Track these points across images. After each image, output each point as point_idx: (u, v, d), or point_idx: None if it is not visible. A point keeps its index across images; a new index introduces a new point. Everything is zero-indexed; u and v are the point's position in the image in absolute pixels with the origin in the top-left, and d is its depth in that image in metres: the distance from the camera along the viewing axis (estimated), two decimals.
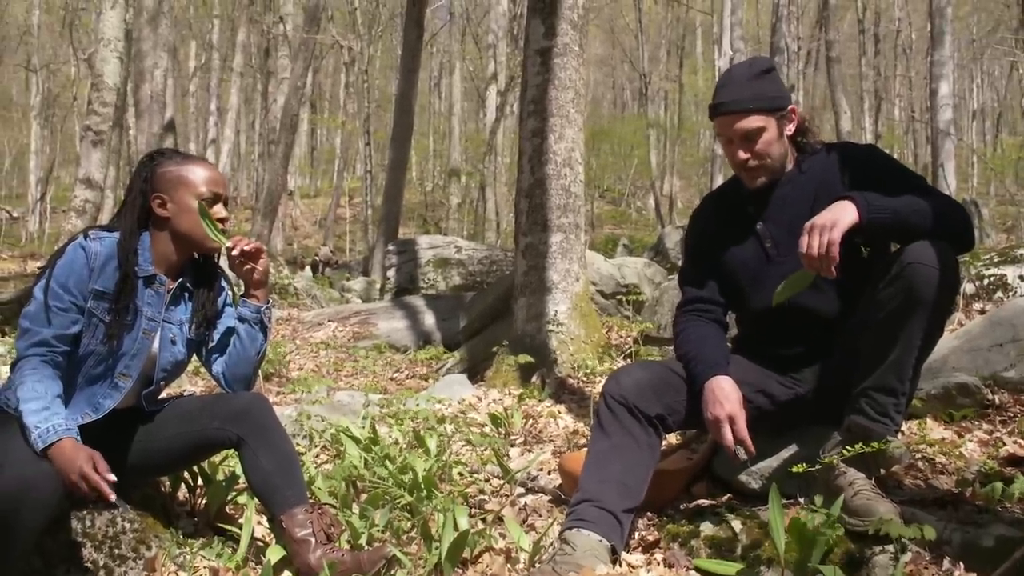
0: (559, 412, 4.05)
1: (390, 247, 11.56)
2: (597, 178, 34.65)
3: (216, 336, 2.38)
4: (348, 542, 2.32)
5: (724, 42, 15.84)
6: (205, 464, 2.58)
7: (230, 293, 2.44)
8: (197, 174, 2.28)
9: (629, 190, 37.31)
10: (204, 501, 2.55)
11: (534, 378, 4.74)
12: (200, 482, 2.57)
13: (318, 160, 41.48)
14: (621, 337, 5.49)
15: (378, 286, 12.55)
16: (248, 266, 2.31)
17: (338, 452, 3.34)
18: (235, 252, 2.26)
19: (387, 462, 2.87)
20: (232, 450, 2.33)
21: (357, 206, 30.90)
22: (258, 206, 17.86)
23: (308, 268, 17.71)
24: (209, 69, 32.81)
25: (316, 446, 3.51)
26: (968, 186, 32.80)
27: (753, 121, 2.32)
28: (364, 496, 2.69)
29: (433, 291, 10.10)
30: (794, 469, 2.11)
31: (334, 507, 2.53)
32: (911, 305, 2.05)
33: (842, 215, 2.03)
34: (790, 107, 2.38)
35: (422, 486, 2.57)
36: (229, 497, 2.54)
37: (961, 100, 38.61)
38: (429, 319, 8.03)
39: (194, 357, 2.41)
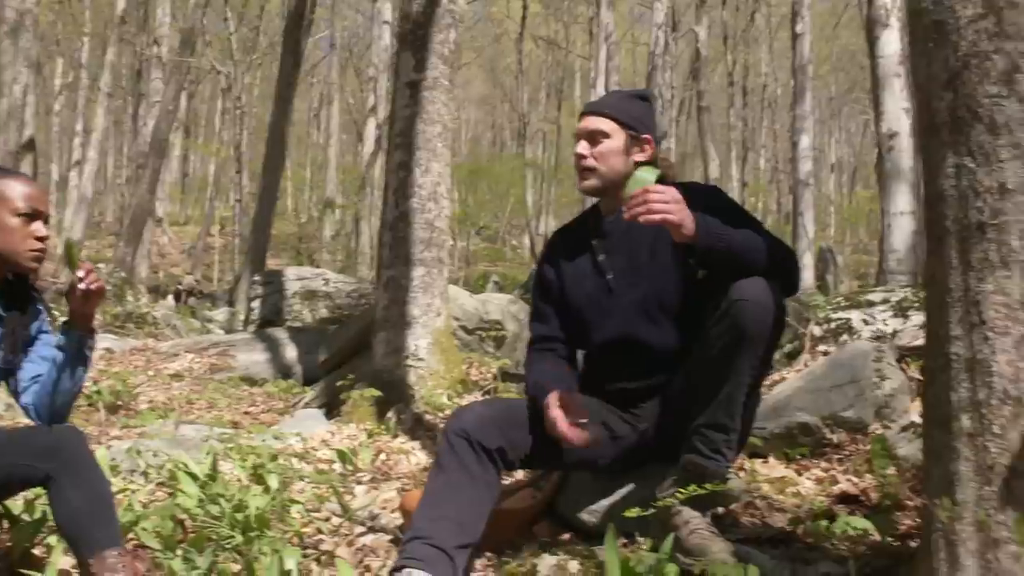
0: (412, 449, 3.97)
1: (256, 278, 11.23)
2: (473, 215, 34.78)
3: (28, 365, 2.21)
4: None
5: (598, 86, 16.23)
6: (16, 502, 2.38)
7: (47, 319, 2.28)
8: (15, 189, 2.12)
9: (505, 228, 37.62)
10: (9, 543, 2.35)
11: (389, 414, 4.64)
12: (4, 523, 2.37)
13: (190, 187, 40.17)
14: (481, 373, 5.45)
15: (242, 317, 12.15)
16: (85, 298, 2.13)
17: (175, 489, 3.16)
18: (82, 286, 2.08)
19: (222, 500, 2.72)
20: (42, 487, 2.15)
21: (228, 235, 30.04)
22: (122, 231, 17.15)
23: (170, 297, 17.03)
24: (76, 88, 31.44)
25: (151, 482, 3.32)
26: (826, 235, 34.48)
27: (602, 123, 2.39)
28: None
29: (299, 323, 9.84)
30: (627, 514, 2.09)
31: (157, 550, 2.37)
32: (739, 341, 2.08)
33: (689, 219, 2.06)
34: (646, 136, 2.41)
35: (254, 525, 2.44)
36: (37, 539, 2.35)
37: (821, 153, 40.66)
38: (291, 352, 7.79)
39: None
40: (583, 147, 2.40)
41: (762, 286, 2.10)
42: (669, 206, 2.04)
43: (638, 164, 2.39)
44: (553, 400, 2.20)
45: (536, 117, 36.34)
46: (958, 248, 1.63)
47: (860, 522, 2.07)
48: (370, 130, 24.30)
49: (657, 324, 2.35)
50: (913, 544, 2.08)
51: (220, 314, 13.64)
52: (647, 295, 2.37)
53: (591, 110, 2.43)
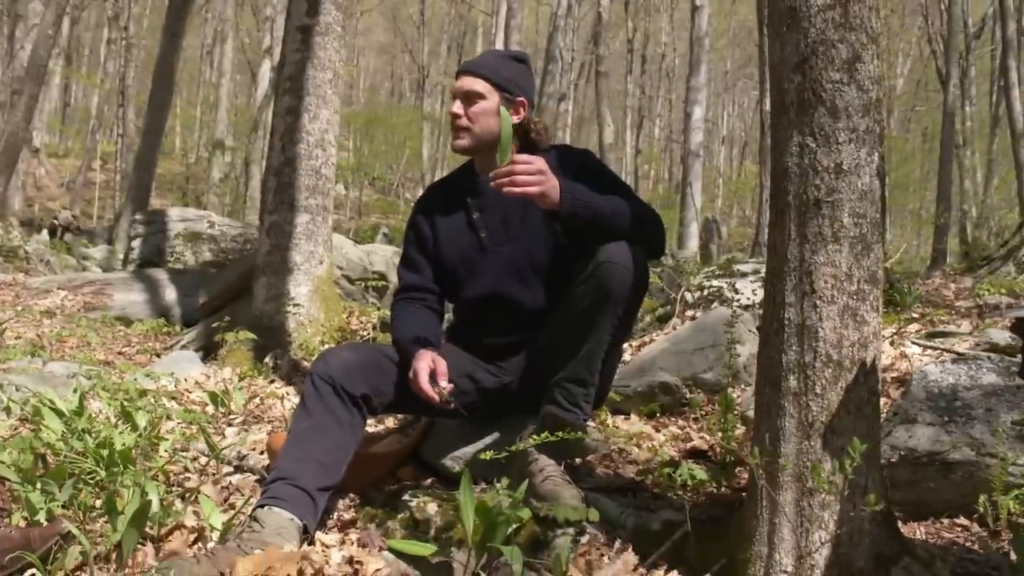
0: (288, 394, 3.98)
1: (138, 216, 10.91)
2: (367, 165, 34.33)
3: None
4: (24, 518, 2.15)
5: (497, 43, 16.17)
6: None
7: None
8: None
9: (400, 180, 37.26)
10: None
11: (267, 359, 4.64)
12: None
13: (71, 118, 38.23)
14: (361, 323, 5.48)
15: (121, 256, 11.78)
16: None
17: (39, 425, 3.10)
18: None
19: (87, 436, 2.69)
20: None
21: (110, 171, 28.81)
22: None
23: (45, 232, 16.29)
24: None
25: (13, 417, 3.24)
26: (714, 206, 35.42)
27: (477, 85, 2.42)
28: None
29: (180, 265, 9.62)
30: (484, 455, 2.18)
31: (15, 482, 2.34)
32: (602, 301, 2.18)
33: (552, 189, 2.13)
34: (520, 99, 2.46)
35: (118, 461, 2.43)
36: None
37: (714, 126, 41.68)
38: (171, 294, 7.63)
39: None
40: (458, 107, 2.43)
41: (627, 250, 2.19)
42: (532, 179, 2.10)
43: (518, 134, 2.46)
44: (424, 360, 2.24)
45: (436, 70, 35.97)
46: (796, 221, 1.75)
47: (699, 472, 2.21)
48: (265, 71, 23.63)
49: (527, 283, 2.43)
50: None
51: (98, 252, 13.17)
52: (518, 254, 2.44)
53: (467, 69, 2.45)
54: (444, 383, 2.22)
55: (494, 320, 2.48)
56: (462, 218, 2.52)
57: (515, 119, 2.45)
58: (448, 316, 2.76)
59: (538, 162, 2.12)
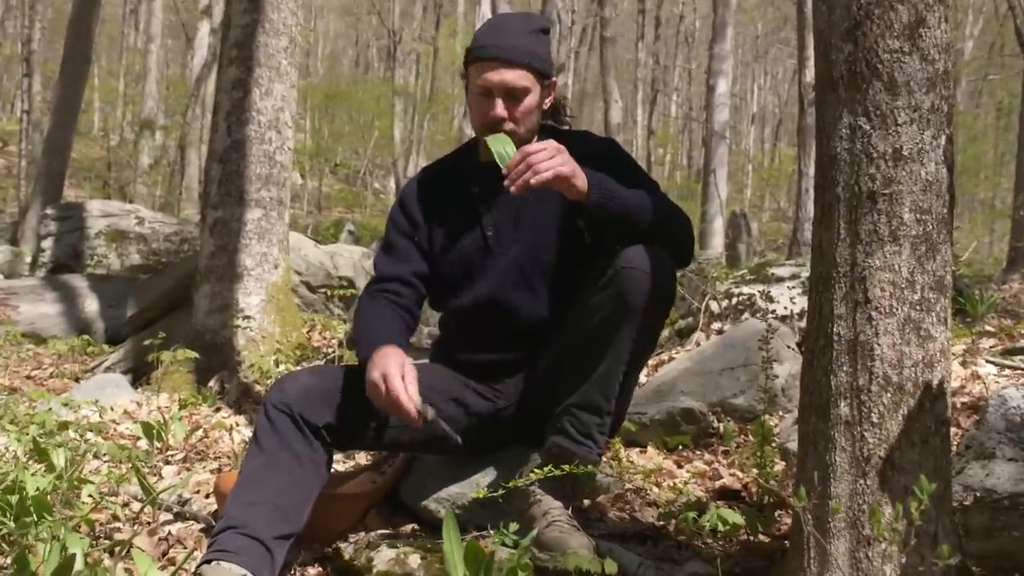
0: (237, 424, 4.00)
1: (49, 211, 10.88)
2: (328, 150, 34.33)
3: None
4: None
5: (484, 4, 16.22)
6: None
7: None
8: None
9: (367, 168, 37.27)
10: None
11: (211, 382, 4.65)
12: None
13: None
14: (324, 338, 5.49)
15: (28, 259, 11.75)
16: None
17: None
18: None
19: None
20: None
21: (12, 155, 28.73)
22: None
23: None
24: None
25: None
26: (742, 197, 35.50)
27: (523, 79, 2.38)
28: None
29: (103, 270, 9.61)
30: (476, 494, 2.20)
31: None
32: (621, 313, 2.20)
33: (579, 176, 2.16)
34: (553, 79, 2.50)
35: (31, 510, 2.44)
36: None
37: (742, 101, 41.76)
38: (91, 305, 7.64)
39: None
40: (501, 108, 2.38)
41: (652, 255, 2.23)
42: (556, 159, 2.13)
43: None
44: (393, 360, 2.19)
45: (409, 36, 36.00)
46: (847, 218, 1.78)
47: (731, 516, 2.24)
48: (203, 36, 23.59)
49: (532, 290, 2.47)
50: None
51: (0, 254, 13.13)
52: (525, 257, 2.47)
53: (504, 58, 2.37)
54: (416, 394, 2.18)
55: (491, 332, 2.52)
56: (465, 212, 2.53)
57: (547, 104, 2.50)
58: (431, 330, 2.78)
59: (551, 144, 2.15)
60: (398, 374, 2.15)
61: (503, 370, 2.54)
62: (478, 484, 2.53)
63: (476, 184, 2.53)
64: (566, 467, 2.21)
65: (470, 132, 2.81)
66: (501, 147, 2.26)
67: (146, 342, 4.78)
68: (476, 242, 2.51)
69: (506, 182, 2.13)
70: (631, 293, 2.20)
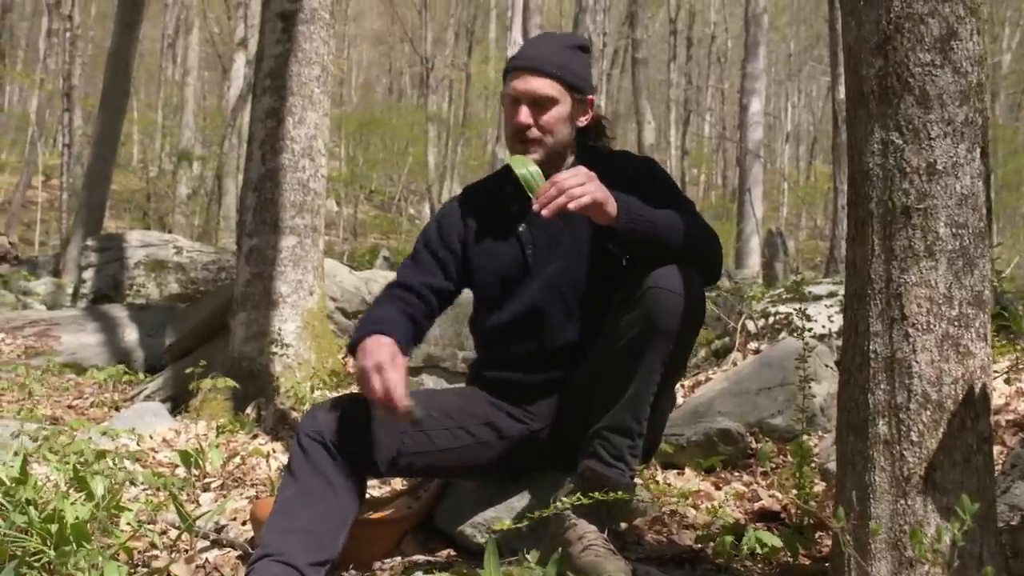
0: (274, 451, 4.01)
1: (90, 242, 11.01)
2: (363, 177, 34.56)
3: None
4: None
5: (515, 30, 16.32)
6: None
7: None
8: None
9: (402, 194, 37.48)
10: None
11: (248, 410, 4.67)
12: None
13: (5, 126, 38.80)
14: None
15: (70, 290, 11.90)
16: None
17: None
18: None
19: (31, 509, 2.72)
20: None
21: (54, 188, 29.17)
22: None
23: None
24: None
25: None
26: (778, 215, 35.34)
27: (549, 88, 2.42)
28: None
29: (142, 300, 9.71)
30: (502, 525, 2.18)
31: None
32: (650, 334, 2.19)
33: (609, 202, 2.15)
34: (590, 97, 2.53)
35: (71, 538, 2.45)
36: None
37: (776, 120, 41.65)
38: (131, 334, 7.70)
39: None
40: (526, 115, 2.42)
41: (682, 274, 2.22)
42: (587, 186, 2.12)
43: (578, 137, 2.53)
44: (385, 349, 2.20)
45: (442, 62, 36.21)
46: (881, 234, 1.76)
47: (770, 538, 2.21)
48: (238, 67, 23.87)
49: (567, 308, 2.48)
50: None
51: (42, 285, 13.29)
52: (562, 275, 2.49)
53: (532, 67, 2.43)
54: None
55: (527, 350, 2.52)
56: (505, 230, 2.56)
57: (583, 121, 2.53)
58: (466, 354, 2.78)
59: (580, 169, 2.15)
60: (391, 365, 2.16)
61: (537, 391, 2.53)
62: (513, 509, 2.52)
63: (515, 203, 2.53)
64: (599, 493, 2.19)
65: (503, 156, 2.83)
66: (523, 168, 2.27)
67: (185, 370, 4.81)
68: (515, 259, 2.53)
69: (535, 206, 2.13)
70: (659, 313, 2.19)
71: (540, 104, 2.42)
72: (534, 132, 2.43)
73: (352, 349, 2.32)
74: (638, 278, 2.23)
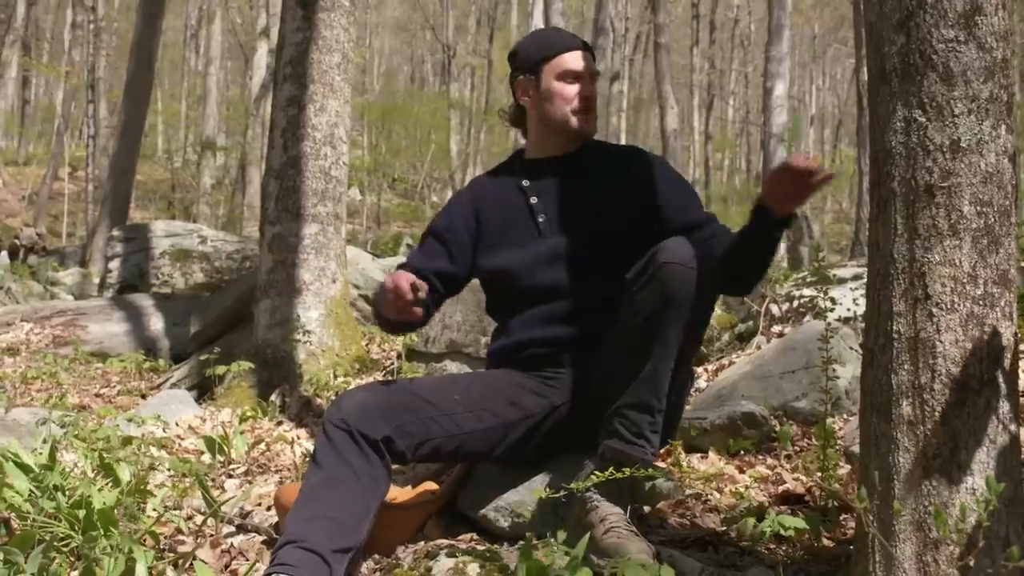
0: (298, 437, 4.02)
1: (115, 232, 11.08)
2: (386, 165, 34.60)
3: None
4: None
5: (536, 15, 16.27)
6: None
7: None
8: None
9: (424, 182, 37.50)
10: None
11: (273, 396, 4.69)
12: None
13: (31, 119, 39.05)
14: (383, 351, 5.51)
15: (97, 280, 11.99)
16: None
17: (1, 484, 3.16)
18: None
19: (59, 495, 2.74)
20: None
21: (80, 180, 29.36)
22: None
23: (4, 254, 16.62)
24: None
25: None
26: None
27: (595, 64, 2.71)
28: None
29: (168, 289, 9.77)
30: (534, 494, 2.18)
31: None
32: (666, 308, 2.21)
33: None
34: None
35: (97, 523, 2.47)
36: None
37: (800, 103, 41.34)
38: (157, 323, 7.75)
39: None
40: (589, 90, 2.64)
41: (690, 246, 2.26)
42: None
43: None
44: (404, 276, 2.36)
45: (464, 50, 36.20)
46: (904, 213, 1.74)
47: (793, 521, 2.18)
48: (261, 56, 23.96)
49: (581, 271, 2.55)
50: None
51: (69, 276, 13.41)
52: (573, 241, 2.59)
53: (585, 47, 2.67)
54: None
55: (543, 311, 2.57)
56: (517, 202, 2.69)
57: None
58: (487, 340, 2.81)
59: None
60: (406, 283, 2.32)
61: (555, 349, 2.56)
62: (534, 491, 2.52)
63: (526, 177, 2.71)
64: (622, 471, 2.19)
65: (523, 143, 2.84)
66: (797, 127, 2.51)
67: (209, 358, 4.83)
68: (528, 228, 2.65)
69: (798, 159, 2.19)
70: (673, 287, 2.21)
71: (593, 78, 2.66)
72: (595, 103, 2.67)
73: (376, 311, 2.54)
74: (651, 254, 2.26)
